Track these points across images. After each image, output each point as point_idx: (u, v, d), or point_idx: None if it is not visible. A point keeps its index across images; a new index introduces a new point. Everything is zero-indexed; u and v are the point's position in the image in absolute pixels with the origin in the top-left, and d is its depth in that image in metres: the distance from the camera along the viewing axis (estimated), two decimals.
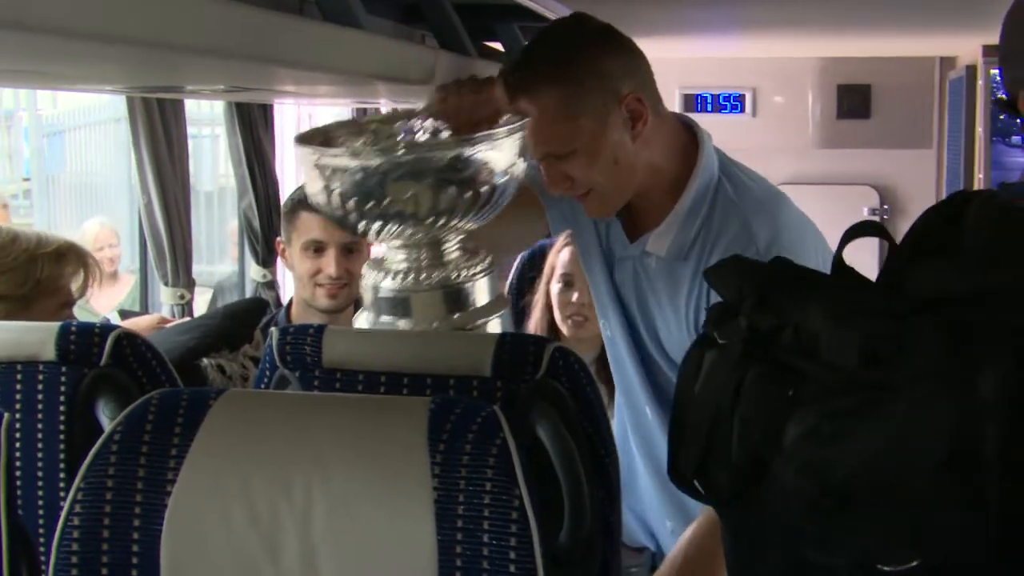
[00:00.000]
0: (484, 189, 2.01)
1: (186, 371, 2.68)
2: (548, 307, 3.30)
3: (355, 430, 1.43)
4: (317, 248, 2.91)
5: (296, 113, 5.11)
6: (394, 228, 2.01)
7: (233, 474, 1.40)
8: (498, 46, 3.72)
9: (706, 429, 1.43)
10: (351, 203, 1.98)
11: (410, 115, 2.22)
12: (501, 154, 2.02)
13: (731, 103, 5.94)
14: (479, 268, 2.12)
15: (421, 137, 2.20)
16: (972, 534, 1.34)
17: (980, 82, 5.73)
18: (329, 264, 2.90)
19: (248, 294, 4.31)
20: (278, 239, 3.05)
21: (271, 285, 4.24)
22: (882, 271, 1.50)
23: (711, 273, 1.50)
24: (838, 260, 1.49)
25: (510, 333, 1.94)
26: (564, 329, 3.23)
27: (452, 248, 2.11)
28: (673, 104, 5.87)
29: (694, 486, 1.50)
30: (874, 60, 6.07)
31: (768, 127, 6.05)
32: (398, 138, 2.21)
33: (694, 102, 5.91)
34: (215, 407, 1.45)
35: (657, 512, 2.55)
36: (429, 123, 2.21)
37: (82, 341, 1.93)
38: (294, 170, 5.08)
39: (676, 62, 5.85)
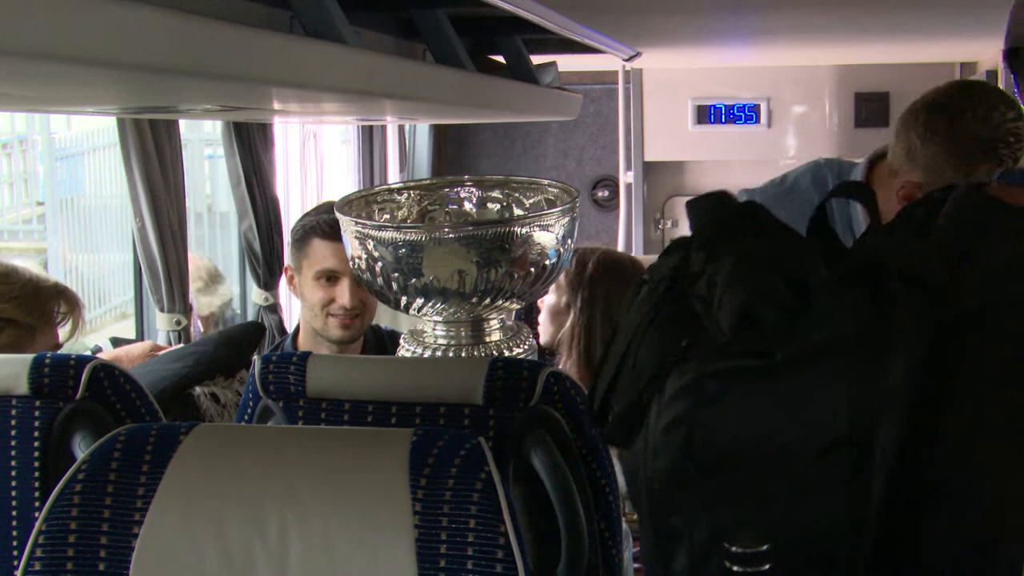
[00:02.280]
0: (533, 269, 2.00)
1: (177, 401, 2.63)
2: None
3: (333, 465, 1.38)
4: (330, 277, 2.84)
5: (300, 132, 5.07)
6: (437, 305, 1.99)
7: (204, 513, 1.35)
8: (500, 59, 3.67)
9: (617, 361, 1.37)
10: (394, 279, 1.97)
11: (456, 182, 2.21)
12: (551, 235, 2.01)
13: (745, 114, 5.88)
14: (523, 348, 2.09)
15: (468, 208, 2.19)
16: (839, 529, 1.28)
17: (1001, 87, 5.66)
18: (343, 294, 2.82)
19: (250, 318, 4.27)
20: (286, 266, 2.97)
21: (273, 309, 4.20)
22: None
23: (691, 203, 1.45)
24: (818, 217, 1.43)
25: (503, 358, 1.89)
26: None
27: (495, 327, 2.10)
28: (685, 116, 5.82)
29: (602, 418, 1.44)
30: (892, 67, 6.00)
31: (784, 137, 5.99)
32: (445, 208, 2.21)
33: (707, 113, 5.85)
34: (186, 442, 1.40)
35: None
36: (475, 191, 2.20)
37: (56, 374, 1.88)
38: (299, 190, 5.05)
39: (687, 72, 5.80)
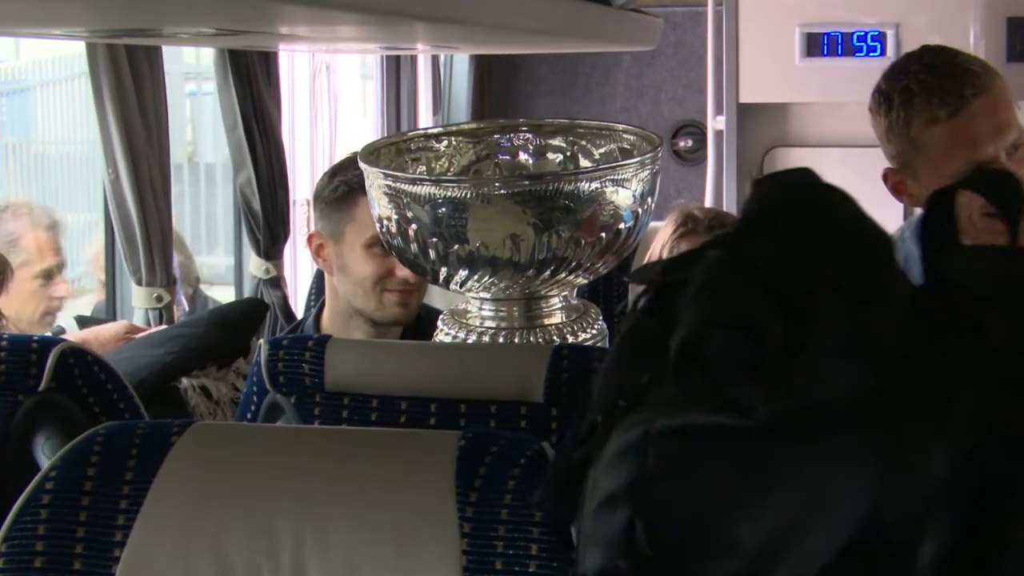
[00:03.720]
0: (604, 234, 1.99)
1: (160, 395, 2.65)
2: None
3: (360, 475, 1.39)
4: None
5: (310, 64, 5.09)
6: (485, 278, 1.99)
7: (202, 532, 1.37)
8: None
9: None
10: (432, 244, 1.97)
11: (509, 128, 2.21)
12: (627, 192, 2.00)
13: (868, 44, 5.83)
14: (590, 333, 2.09)
15: (523, 158, 2.20)
16: None
17: None
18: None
19: (247, 294, 4.29)
20: (314, 233, 2.89)
21: (276, 283, 4.21)
22: None
23: (754, 182, 1.20)
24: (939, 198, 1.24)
25: (568, 345, 1.89)
26: None
27: (555, 306, 2.09)
28: (793, 46, 5.78)
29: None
30: None
31: None
32: (495, 158, 2.21)
33: (819, 44, 5.81)
34: (179, 444, 1.42)
35: None
36: (532, 138, 2.21)
37: (15, 360, 1.89)
38: (307, 135, 5.06)
39: None
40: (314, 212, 2.90)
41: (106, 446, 1.42)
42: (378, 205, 2.06)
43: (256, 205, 4.12)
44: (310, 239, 2.90)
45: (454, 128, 2.28)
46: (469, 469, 1.36)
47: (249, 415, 1.88)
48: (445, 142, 2.25)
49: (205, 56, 6.57)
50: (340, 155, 3.92)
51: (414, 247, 2.01)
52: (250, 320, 3.05)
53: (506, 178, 2.08)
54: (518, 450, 1.37)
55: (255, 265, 4.23)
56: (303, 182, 4.83)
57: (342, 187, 2.80)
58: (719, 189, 5.69)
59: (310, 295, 3.43)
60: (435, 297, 3.16)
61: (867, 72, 5.93)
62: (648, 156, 2.06)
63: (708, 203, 5.60)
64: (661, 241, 2.77)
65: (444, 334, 2.10)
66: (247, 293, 4.29)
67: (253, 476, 1.39)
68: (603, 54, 6.44)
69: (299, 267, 4.81)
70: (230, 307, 3.21)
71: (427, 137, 2.25)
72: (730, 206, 5.63)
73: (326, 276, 2.91)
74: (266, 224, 4.15)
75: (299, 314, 3.76)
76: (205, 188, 8.34)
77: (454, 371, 1.80)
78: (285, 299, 4.25)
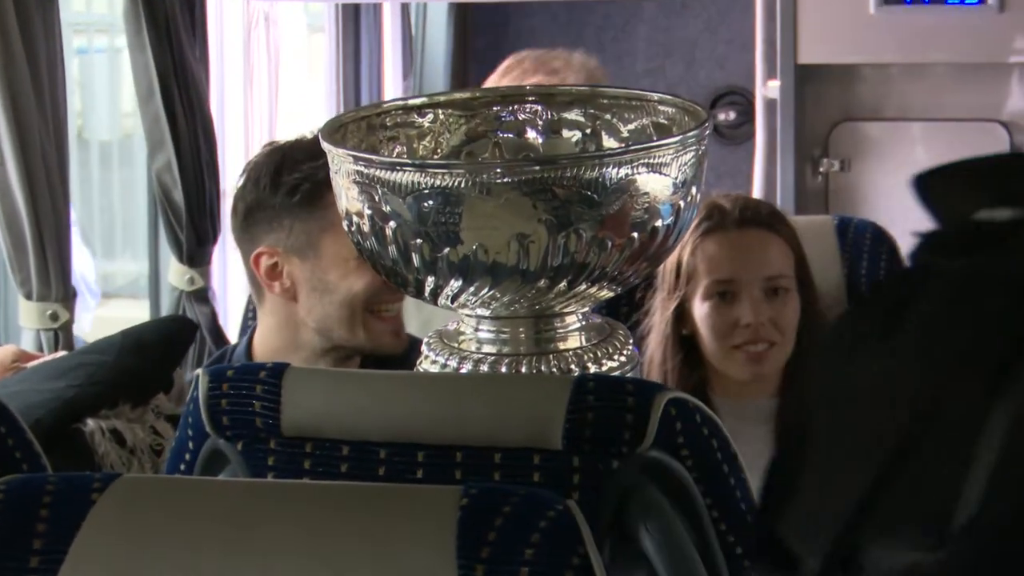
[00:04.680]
0: (636, 234, 2.00)
1: (60, 440, 2.66)
2: (678, 336, 3.24)
3: (332, 542, 1.40)
4: None
5: (245, 12, 5.10)
6: (483, 291, 2.00)
7: None
8: None
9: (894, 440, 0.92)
10: (416, 247, 1.97)
11: (512, 97, 2.22)
12: (665, 180, 2.01)
13: None
14: (618, 360, 2.10)
15: (531, 137, 2.21)
16: None
17: None
18: None
19: (166, 310, 4.29)
20: (264, 249, 2.80)
21: (203, 296, 4.21)
22: None
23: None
24: None
25: (592, 376, 1.91)
26: (731, 368, 3.15)
27: (572, 326, 2.10)
28: None
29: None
30: None
31: None
32: (494, 136, 2.22)
33: None
34: (102, 503, 1.43)
35: None
36: (543, 111, 2.22)
37: None
38: (240, 107, 5.07)
39: None
40: (244, 223, 2.83)
41: (8, 505, 1.43)
42: (346, 197, 2.06)
43: (177, 196, 4.12)
44: (256, 259, 2.81)
45: (442, 98, 2.27)
46: (474, 535, 1.37)
47: (183, 466, 1.88)
48: (431, 115, 2.25)
49: (98, 2, 6.55)
50: (282, 131, 3.91)
51: (392, 251, 2.01)
52: (173, 344, 3.05)
53: (510, 162, 2.09)
54: (537, 510, 1.39)
55: (176, 273, 4.23)
56: (236, 165, 4.82)
57: (304, 184, 2.74)
58: (771, 174, 5.68)
59: (247, 312, 3.38)
60: (409, 316, 3.14)
61: (960, 25, 5.99)
62: (692, 134, 2.06)
63: (756, 192, 5.58)
64: (681, 241, 2.78)
65: (431, 362, 2.10)
66: (165, 309, 4.29)
67: (194, 543, 1.41)
68: (619, 1, 6.45)
69: (230, 275, 4.81)
70: (147, 328, 3.21)
71: (407, 109, 2.25)
72: (786, 195, 5.60)
73: (277, 304, 2.85)
74: (190, 221, 4.14)
75: (233, 336, 3.74)
76: (99, 173, 8.31)
77: (447, 409, 1.80)
78: (214, 316, 4.25)
